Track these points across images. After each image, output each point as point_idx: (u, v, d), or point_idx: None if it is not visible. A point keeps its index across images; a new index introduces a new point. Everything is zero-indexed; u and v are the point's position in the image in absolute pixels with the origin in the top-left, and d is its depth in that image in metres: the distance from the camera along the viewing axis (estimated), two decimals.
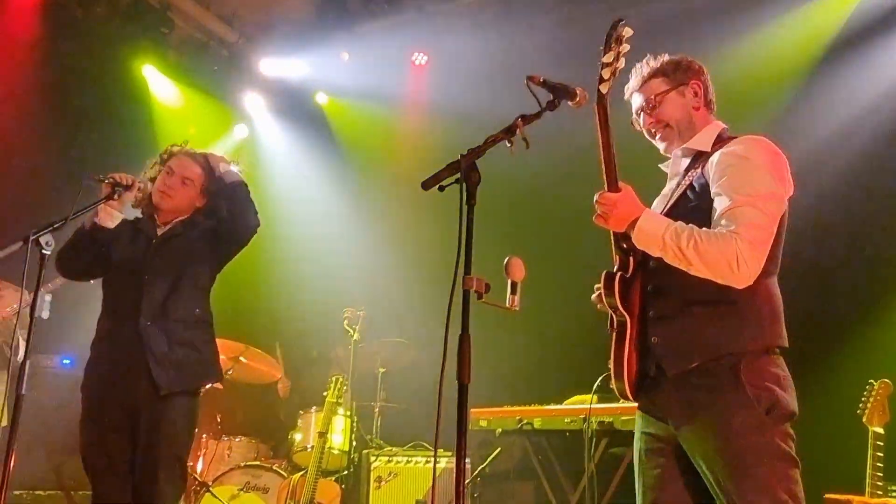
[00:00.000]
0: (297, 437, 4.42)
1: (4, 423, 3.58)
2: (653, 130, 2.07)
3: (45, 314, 2.31)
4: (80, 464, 2.57)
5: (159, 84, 5.56)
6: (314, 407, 4.52)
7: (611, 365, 1.96)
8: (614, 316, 1.96)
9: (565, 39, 4.88)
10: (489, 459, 3.94)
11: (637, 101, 2.09)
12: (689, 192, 1.94)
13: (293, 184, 5.77)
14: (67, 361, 4.55)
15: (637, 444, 2.01)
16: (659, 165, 2.15)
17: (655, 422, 1.96)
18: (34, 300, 2.30)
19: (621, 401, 2.09)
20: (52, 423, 3.96)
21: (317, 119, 5.92)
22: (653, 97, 2.05)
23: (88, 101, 5.11)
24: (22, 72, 4.83)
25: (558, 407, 3.67)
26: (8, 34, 4.83)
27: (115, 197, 2.58)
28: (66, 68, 5.02)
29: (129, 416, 2.52)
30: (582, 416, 3.53)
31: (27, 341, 2.27)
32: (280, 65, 5.82)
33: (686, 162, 2.04)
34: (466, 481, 3.87)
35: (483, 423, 3.81)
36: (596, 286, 2.07)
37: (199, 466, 4.32)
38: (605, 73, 1.94)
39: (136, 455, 2.50)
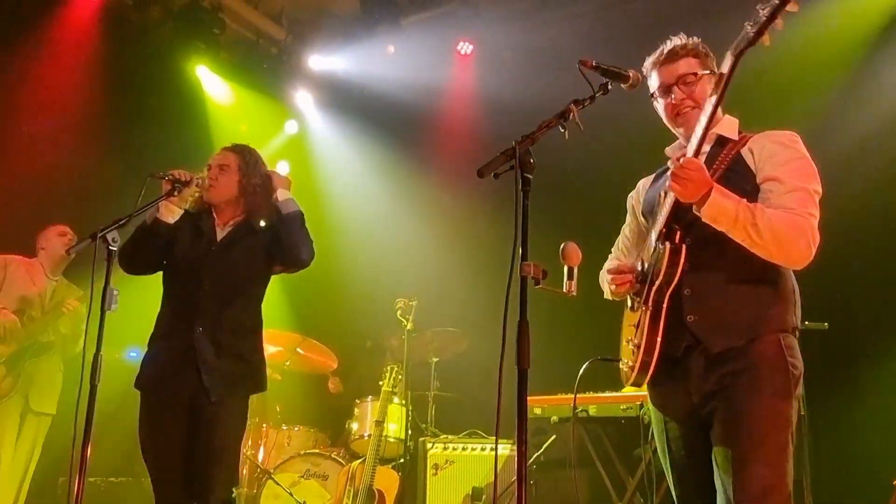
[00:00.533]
0: (354, 425, 4.49)
1: (53, 410, 3.78)
2: (682, 107, 2.00)
3: (114, 307, 2.38)
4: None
5: (212, 84, 5.70)
6: (370, 396, 4.58)
7: (637, 345, 1.92)
8: (653, 292, 1.90)
9: (607, 24, 4.80)
10: (544, 447, 3.94)
11: (666, 75, 2.02)
12: (730, 175, 1.92)
13: (344, 177, 5.85)
14: (134, 354, 4.73)
15: (659, 441, 2.01)
16: (667, 150, 2.12)
17: (673, 411, 1.95)
18: (104, 295, 2.39)
19: None
20: (120, 413, 4.13)
21: (365, 112, 5.96)
22: (690, 73, 1.99)
23: (146, 102, 5.28)
24: (83, 75, 5.01)
25: (614, 394, 3.63)
26: (70, 39, 5.02)
27: (175, 193, 2.65)
28: (124, 71, 5.18)
29: (184, 410, 2.61)
30: (638, 403, 3.49)
31: (98, 334, 2.36)
32: (327, 60, 5.88)
33: (709, 146, 2.00)
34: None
35: (538, 411, 3.80)
36: (617, 267, 2.04)
37: (261, 455, 4.44)
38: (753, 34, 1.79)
39: (192, 447, 2.57)
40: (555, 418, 3.71)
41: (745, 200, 1.83)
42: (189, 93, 5.59)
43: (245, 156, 2.84)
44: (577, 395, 3.67)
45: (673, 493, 1.99)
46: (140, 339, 4.55)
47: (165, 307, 2.76)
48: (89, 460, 2.30)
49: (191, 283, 2.67)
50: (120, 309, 2.41)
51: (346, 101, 6.03)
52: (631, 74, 1.91)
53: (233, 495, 2.65)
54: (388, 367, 4.31)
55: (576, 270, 1.79)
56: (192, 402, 2.60)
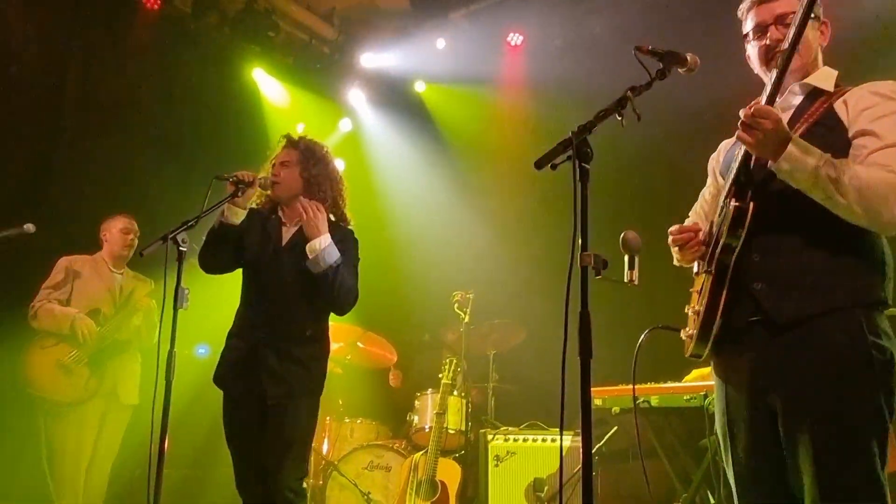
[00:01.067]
0: (415, 418, 4.54)
1: (136, 401, 3.92)
2: (777, 48, 1.83)
3: (185, 305, 2.48)
4: (218, 445, 2.79)
5: (268, 86, 5.84)
6: (429, 389, 4.62)
7: (697, 311, 1.82)
8: (717, 257, 1.79)
9: (659, 8, 4.69)
10: (605, 438, 3.90)
11: (764, 14, 1.89)
12: (817, 130, 1.76)
13: (398, 173, 5.89)
14: (203, 350, 4.91)
15: (718, 417, 1.85)
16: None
17: (736, 386, 1.79)
18: (176, 294, 2.49)
19: None
20: (194, 408, 4.29)
21: (417, 108, 6.00)
22: (790, 13, 1.81)
23: (207, 106, 5.44)
24: (146, 80, 5.21)
25: (676, 384, 3.56)
26: (134, 46, 5.23)
27: (239, 195, 2.72)
28: (185, 77, 5.37)
29: (256, 406, 2.71)
30: (703, 393, 3.41)
31: (172, 332, 2.47)
32: (378, 57, 5.94)
33: (799, 99, 1.86)
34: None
35: (598, 402, 3.76)
36: (678, 228, 1.95)
37: (325, 447, 4.54)
38: None
39: (267, 439, 2.67)
40: (616, 409, 3.65)
41: (829, 156, 1.66)
42: (247, 95, 5.74)
43: (304, 148, 2.87)
44: (638, 387, 3.63)
45: (730, 475, 1.83)
46: (207, 336, 4.75)
47: (241, 305, 2.85)
48: (166, 453, 2.40)
49: (258, 286, 2.75)
50: (189, 306, 2.51)
51: (397, 97, 6.08)
52: (688, 57, 1.85)
53: (303, 486, 2.72)
54: (447, 360, 4.35)
55: (637, 259, 1.76)
56: (261, 402, 2.69)
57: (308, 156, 2.84)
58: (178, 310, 2.46)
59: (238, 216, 2.75)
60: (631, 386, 3.66)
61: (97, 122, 4.94)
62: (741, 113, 1.73)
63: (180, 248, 2.46)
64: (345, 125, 6.17)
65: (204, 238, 2.80)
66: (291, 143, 2.90)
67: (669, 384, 3.58)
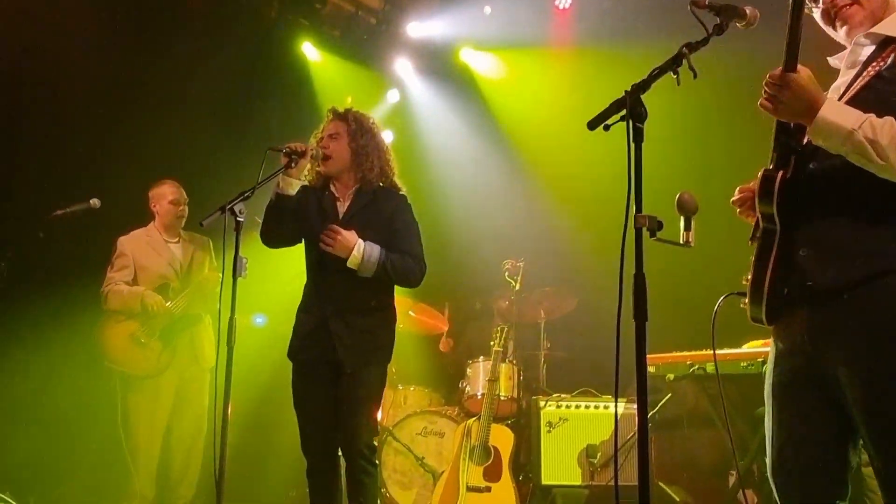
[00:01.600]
0: (467, 385, 4.59)
1: (213, 363, 4.06)
2: (841, 3, 1.76)
3: (244, 274, 2.56)
4: (280, 410, 2.90)
5: (317, 59, 5.88)
6: (481, 357, 4.66)
7: (748, 282, 1.78)
8: (762, 224, 1.75)
9: None
10: (659, 406, 3.88)
11: None
12: (875, 83, 1.66)
13: (446, 142, 5.87)
14: (260, 320, 5.05)
15: (769, 378, 1.79)
16: (828, 59, 1.87)
17: (789, 351, 1.73)
18: (235, 263, 2.57)
19: None
20: (254, 374, 4.44)
21: (464, 75, 5.95)
22: None
23: (260, 82, 5.53)
24: (198, 57, 5.31)
25: (733, 351, 3.50)
26: (185, 22, 5.33)
27: (292, 165, 2.78)
28: (238, 55, 5.45)
29: (327, 375, 2.81)
30: (760, 360, 3.35)
31: (231, 300, 2.55)
32: (425, 26, 5.89)
33: (869, 51, 1.75)
34: (636, 428, 3.82)
35: (651, 370, 3.74)
36: (739, 188, 1.91)
37: (380, 413, 4.64)
38: None
39: (340, 403, 2.79)
40: (670, 376, 3.63)
41: (872, 116, 1.55)
42: (296, 69, 5.79)
43: (351, 120, 2.90)
44: (693, 353, 3.58)
45: (769, 440, 1.78)
46: (265, 306, 4.89)
47: (307, 281, 2.94)
48: (229, 417, 2.51)
49: (320, 261, 2.82)
50: (247, 277, 2.58)
51: (444, 65, 6.03)
52: (748, 11, 1.78)
53: (375, 443, 2.86)
54: (498, 328, 4.37)
55: (693, 220, 1.73)
56: (334, 369, 2.80)
57: (356, 127, 2.88)
58: (237, 278, 2.54)
59: (293, 187, 2.80)
60: (685, 353, 3.62)
61: (151, 98, 5.07)
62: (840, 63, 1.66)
63: (238, 219, 2.53)
64: (392, 96, 6.16)
65: (263, 214, 2.86)
66: (339, 115, 2.94)
67: (726, 351, 3.52)
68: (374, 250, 2.77)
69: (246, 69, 5.50)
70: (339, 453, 2.84)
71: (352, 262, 2.74)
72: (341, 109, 2.97)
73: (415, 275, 2.85)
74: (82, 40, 4.71)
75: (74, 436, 4.45)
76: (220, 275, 3.85)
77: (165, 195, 4.12)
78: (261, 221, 2.90)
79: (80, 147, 4.82)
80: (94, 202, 3.91)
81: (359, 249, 2.74)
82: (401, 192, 2.96)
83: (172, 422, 3.94)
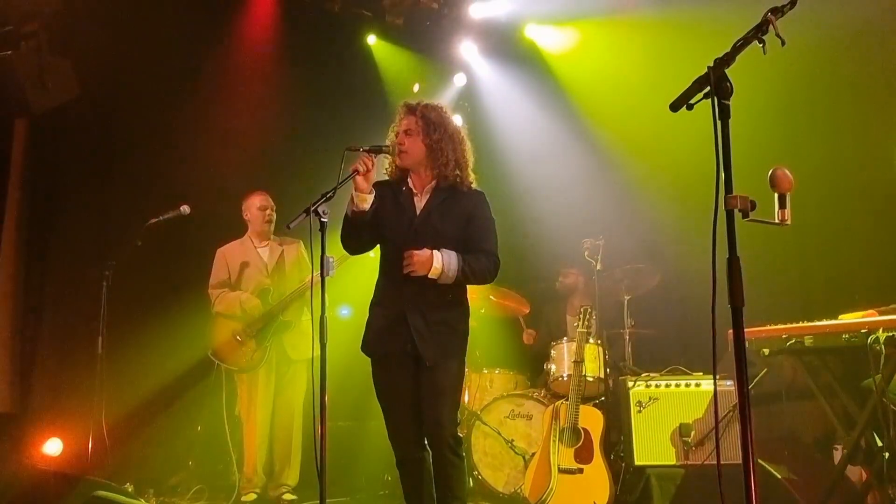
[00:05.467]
0: (552, 367, 4.59)
1: (308, 355, 4.28)
2: None
3: (332, 273, 2.65)
4: (371, 399, 2.98)
5: (382, 50, 5.93)
6: (565, 338, 4.65)
7: None
8: None
9: None
10: (755, 381, 3.76)
11: None
12: None
13: (518, 123, 5.82)
14: (345, 311, 5.21)
15: None
16: None
17: None
18: (322, 263, 2.65)
19: None
20: (346, 365, 4.60)
21: (531, 53, 5.85)
22: None
23: (327, 79, 5.63)
24: (270, 62, 5.47)
25: (833, 322, 3.34)
26: (256, 31, 5.50)
27: (370, 165, 2.77)
28: (304, 55, 5.58)
29: (407, 368, 2.87)
30: (864, 331, 3.18)
31: (322, 298, 2.65)
32: (488, 6, 5.84)
33: None
34: (731, 405, 3.74)
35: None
36: None
37: (466, 397, 4.72)
38: None
39: (422, 393, 2.85)
40: (765, 351, 3.50)
41: None
42: (363, 63, 5.87)
43: (422, 115, 2.90)
44: (789, 326, 3.44)
45: None
46: (349, 298, 5.03)
47: (381, 276, 2.98)
48: (326, 406, 2.61)
49: (397, 257, 2.85)
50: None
51: (509, 44, 5.96)
52: None
53: (459, 433, 2.90)
54: (581, 309, 4.33)
55: (788, 197, 1.66)
56: (414, 362, 2.86)
57: (427, 122, 2.88)
58: (325, 278, 2.63)
59: (366, 202, 2.82)
60: (781, 326, 3.49)
61: (229, 107, 5.27)
62: None
63: (322, 220, 2.61)
64: (459, 80, 6.15)
65: (342, 224, 2.92)
66: (410, 109, 2.94)
67: (825, 322, 3.37)
68: (453, 259, 2.82)
69: (313, 67, 5.62)
70: (426, 444, 2.90)
71: (433, 275, 2.80)
72: (413, 102, 2.97)
73: (491, 273, 2.91)
74: (161, 43, 4.92)
75: (185, 427, 4.76)
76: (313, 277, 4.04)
77: (254, 202, 4.47)
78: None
79: (160, 160, 5.08)
80: (185, 209, 4.16)
81: (438, 261, 2.79)
82: (477, 190, 2.96)
83: (273, 413, 4.24)
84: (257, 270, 4.38)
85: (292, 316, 4.31)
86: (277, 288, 4.33)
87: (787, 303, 4.48)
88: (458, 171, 2.89)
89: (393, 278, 2.88)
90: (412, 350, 2.83)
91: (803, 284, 4.66)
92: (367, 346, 2.97)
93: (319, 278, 2.62)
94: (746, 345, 3.51)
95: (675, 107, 1.65)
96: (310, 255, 2.68)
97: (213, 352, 4.32)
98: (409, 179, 2.97)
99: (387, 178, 3.02)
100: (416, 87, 5.91)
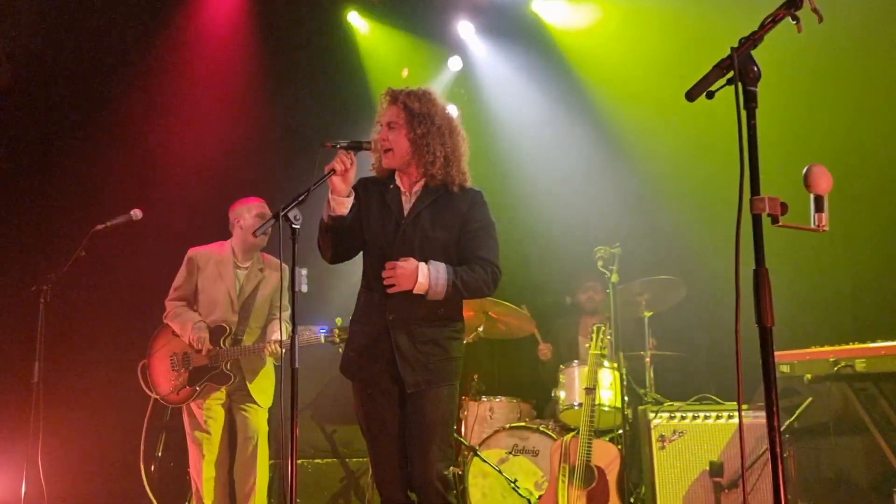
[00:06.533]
0: (562, 394, 4.57)
1: (269, 404, 4.22)
2: None
3: (304, 288, 2.63)
4: (350, 432, 2.96)
5: (365, 29, 5.94)
6: (575, 361, 4.63)
7: None
8: None
9: None
10: (798, 412, 3.75)
11: None
12: None
13: (519, 112, 5.82)
14: (323, 330, 5.18)
15: None
16: None
17: None
18: (292, 275, 2.64)
19: None
20: (320, 393, 4.57)
21: (537, 32, 5.83)
22: None
23: (301, 61, 5.64)
24: (233, 45, 5.48)
25: (891, 343, 3.32)
26: (216, 10, 5.50)
27: (348, 164, 2.75)
28: (275, 33, 5.59)
29: (390, 395, 2.84)
30: None
31: (292, 316, 2.62)
32: None
33: None
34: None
35: (785, 369, 3.61)
36: None
37: (463, 429, 4.70)
38: None
39: (408, 425, 2.81)
40: (808, 376, 3.48)
41: None
42: (343, 45, 5.87)
43: (404, 106, 2.86)
44: (839, 348, 3.43)
45: None
46: (328, 314, 5.01)
47: (363, 289, 2.96)
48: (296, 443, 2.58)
49: (381, 265, 2.82)
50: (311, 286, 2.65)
51: (512, 21, 5.95)
52: None
53: (449, 475, 2.84)
54: (594, 327, 4.32)
55: (825, 199, 1.66)
56: (398, 388, 2.82)
57: (410, 113, 2.85)
58: (296, 293, 2.61)
59: (344, 206, 2.80)
60: (828, 348, 3.48)
61: (194, 96, 5.27)
62: None
63: (293, 226, 2.57)
64: (454, 64, 6.15)
65: (317, 231, 2.88)
66: (393, 99, 2.91)
67: (880, 344, 3.36)
68: (441, 271, 2.77)
69: (285, 51, 5.62)
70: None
71: (418, 290, 2.76)
72: (397, 90, 2.93)
73: (488, 285, 2.85)
74: (110, 30, 4.93)
75: (136, 464, 4.72)
76: (280, 349, 3.96)
77: (251, 209, 4.21)
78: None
79: (118, 160, 5.07)
80: (136, 213, 4.14)
81: (424, 275, 2.75)
82: (474, 189, 2.93)
83: (233, 450, 4.16)
84: (224, 298, 4.17)
85: (235, 370, 4.13)
86: (237, 329, 4.17)
87: (835, 321, 4.47)
88: (447, 169, 2.86)
89: (376, 289, 2.85)
90: (394, 373, 2.80)
91: (855, 300, 4.65)
92: (345, 369, 2.94)
93: (289, 345, 2.56)
94: (788, 370, 3.57)
95: (692, 95, 1.65)
96: (285, 278, 2.60)
97: (143, 366, 4.19)
98: (396, 176, 2.97)
99: (372, 174, 3.00)
100: (404, 73, 5.91)
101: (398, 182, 2.93)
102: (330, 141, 2.75)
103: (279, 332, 4.09)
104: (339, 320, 3.92)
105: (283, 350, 3.99)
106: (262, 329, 4.21)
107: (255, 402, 4.14)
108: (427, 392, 2.79)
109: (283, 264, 4.03)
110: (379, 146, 2.87)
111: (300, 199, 2.59)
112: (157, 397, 4.16)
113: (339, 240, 2.86)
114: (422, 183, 2.91)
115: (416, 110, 2.85)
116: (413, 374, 2.78)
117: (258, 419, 4.17)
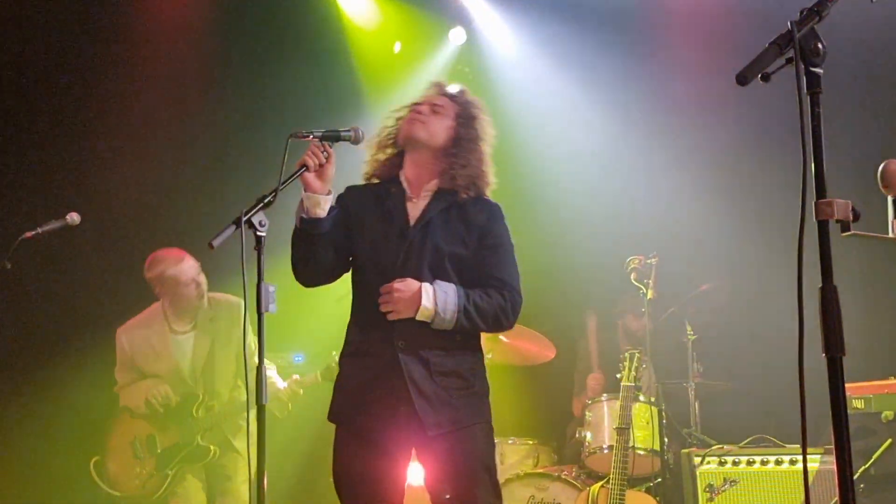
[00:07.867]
0: (588, 434, 4.58)
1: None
2: None
3: (272, 308, 2.61)
4: (333, 482, 2.94)
5: (350, 1, 5.96)
6: (605, 394, 4.65)
7: None
8: None
9: None
10: (875, 456, 3.75)
11: None
12: None
13: (534, 94, 5.83)
14: (299, 358, 5.19)
15: None
16: None
17: None
18: (258, 292, 2.62)
19: None
20: (296, 433, 4.56)
21: (561, 3, 5.82)
22: None
23: (271, 42, 5.67)
24: (192, 17, 5.52)
25: None
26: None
27: (322, 160, 2.75)
28: (239, 8, 5.63)
29: (396, 445, 2.78)
30: None
31: (259, 342, 2.61)
32: None
33: None
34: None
35: (858, 405, 3.64)
36: None
37: None
38: None
39: (432, 479, 2.78)
40: (887, 414, 3.53)
41: None
42: (323, 16, 5.88)
43: (464, 103, 2.94)
44: None
45: None
46: (303, 342, 5.01)
47: (357, 313, 2.92)
48: (266, 491, 2.57)
49: (384, 283, 2.78)
50: (280, 306, 2.63)
51: None
52: None
53: None
54: (626, 353, 4.34)
55: None
56: (408, 435, 2.76)
57: (466, 113, 2.92)
58: (262, 314, 2.59)
59: (319, 206, 2.76)
60: None
61: (136, 82, 5.31)
62: None
63: (258, 234, 2.56)
64: (456, 37, 6.17)
65: (291, 241, 2.86)
66: (447, 92, 2.97)
67: None
68: (451, 294, 2.75)
69: (254, 25, 5.66)
70: None
71: (423, 317, 2.73)
72: (454, 87, 3.01)
73: (507, 315, 2.82)
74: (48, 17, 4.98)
75: None
76: (245, 398, 4.01)
77: (175, 269, 4.22)
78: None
79: (54, 161, 5.11)
80: (73, 217, 4.14)
81: (428, 299, 2.72)
82: (492, 202, 2.94)
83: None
84: (174, 377, 4.26)
85: (214, 440, 4.21)
86: (207, 394, 4.24)
87: None
88: (469, 178, 2.86)
89: (377, 313, 2.80)
90: (407, 416, 2.72)
91: None
92: (338, 414, 2.88)
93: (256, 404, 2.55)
94: (863, 406, 3.57)
95: (744, 78, 1.64)
96: (242, 291, 2.59)
97: (96, 462, 4.26)
98: (401, 175, 2.95)
99: (362, 181, 2.99)
100: (396, 47, 5.93)
101: (403, 183, 2.92)
102: (301, 131, 2.72)
103: (275, 375, 4.25)
104: (334, 352, 3.93)
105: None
106: (232, 390, 4.26)
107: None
108: (455, 433, 2.74)
109: (241, 299, 4.11)
110: (408, 124, 2.88)
111: (266, 200, 2.57)
112: (119, 494, 4.22)
113: (314, 251, 2.82)
114: (435, 183, 2.90)
115: (473, 114, 2.93)
116: (435, 414, 2.72)
117: (241, 474, 4.22)
